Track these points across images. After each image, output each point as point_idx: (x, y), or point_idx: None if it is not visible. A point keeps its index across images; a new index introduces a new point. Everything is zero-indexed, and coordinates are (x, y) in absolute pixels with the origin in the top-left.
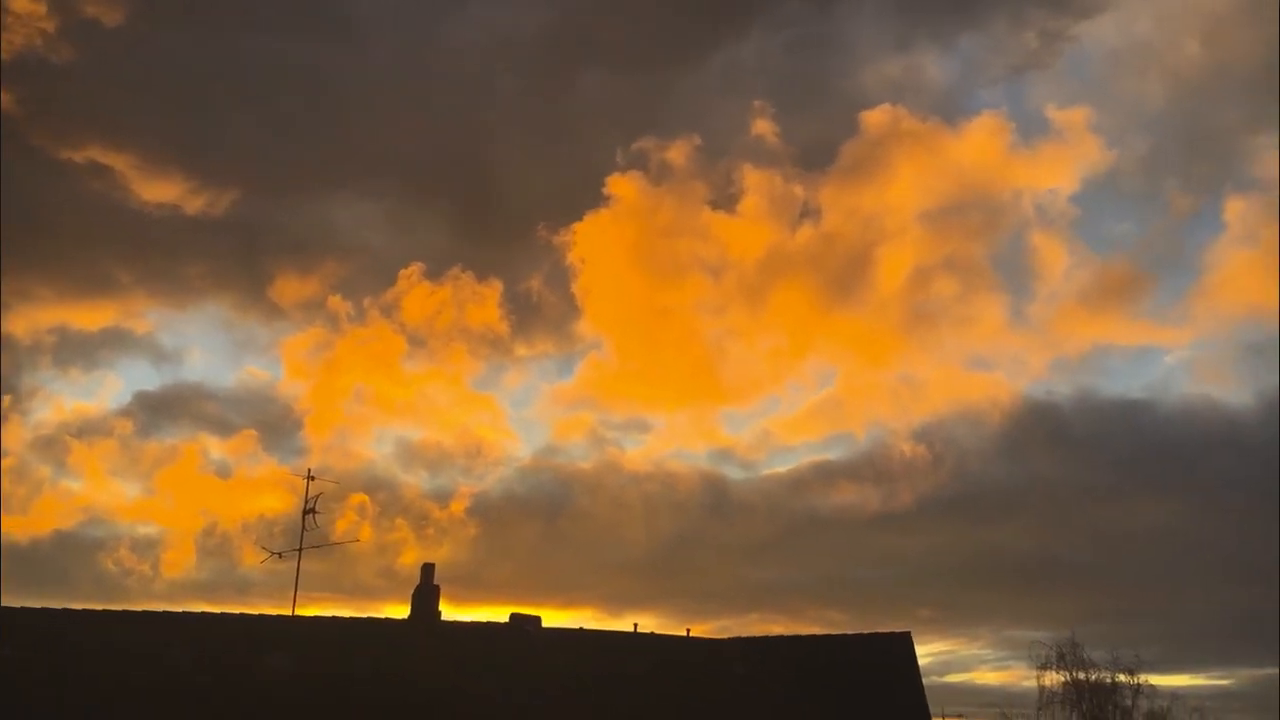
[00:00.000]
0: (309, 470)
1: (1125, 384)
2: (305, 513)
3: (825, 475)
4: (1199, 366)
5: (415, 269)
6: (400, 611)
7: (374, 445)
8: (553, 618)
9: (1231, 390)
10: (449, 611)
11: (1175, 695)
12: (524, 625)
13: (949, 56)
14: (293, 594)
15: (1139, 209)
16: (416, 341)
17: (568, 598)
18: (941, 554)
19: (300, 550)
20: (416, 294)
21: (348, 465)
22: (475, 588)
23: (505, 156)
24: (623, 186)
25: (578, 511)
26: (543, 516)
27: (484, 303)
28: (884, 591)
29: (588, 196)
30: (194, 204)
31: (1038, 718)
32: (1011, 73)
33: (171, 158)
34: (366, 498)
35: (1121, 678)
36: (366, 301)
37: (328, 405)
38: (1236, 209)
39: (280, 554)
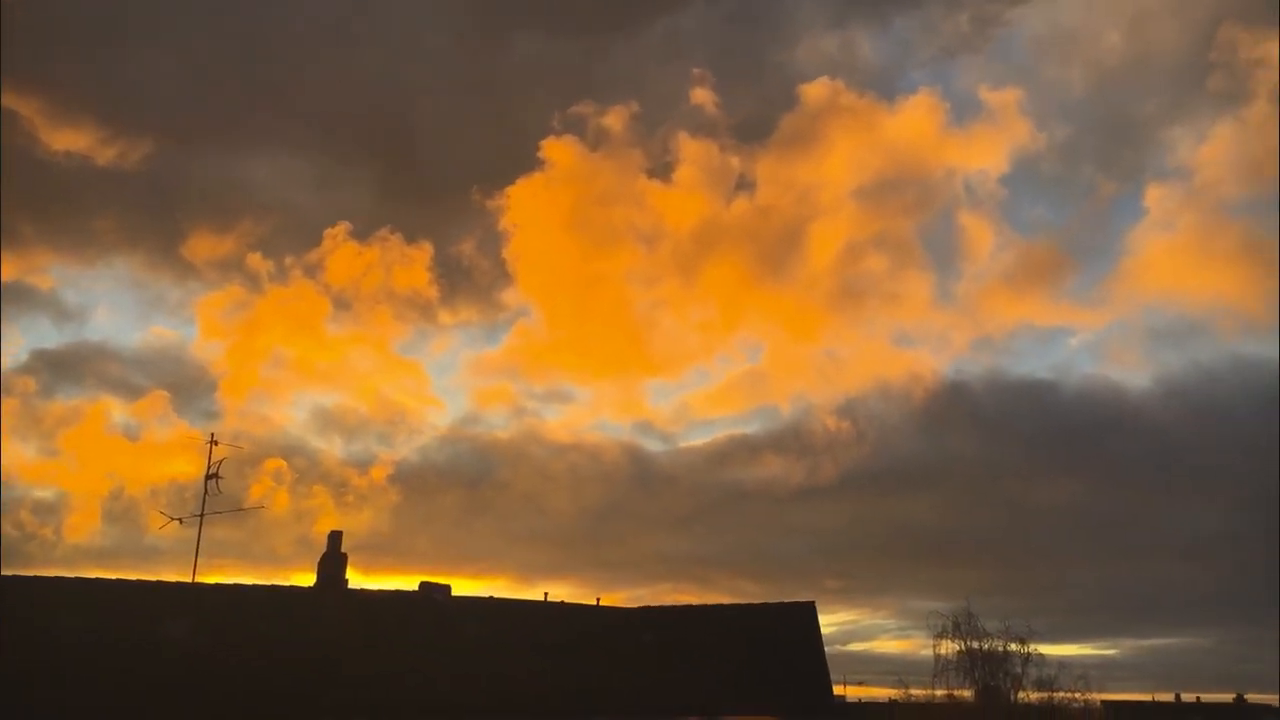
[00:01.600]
0: (212, 435)
1: (1033, 365)
2: (208, 478)
3: (744, 449)
4: (1111, 348)
5: (342, 228)
6: (312, 579)
7: (293, 410)
8: (466, 587)
9: (1133, 373)
10: (361, 580)
11: (1063, 664)
12: (433, 594)
13: (884, 36)
14: (195, 560)
15: (1063, 193)
16: (341, 304)
17: (482, 567)
18: (853, 527)
19: (201, 516)
20: (342, 254)
21: (265, 430)
22: (391, 556)
23: (436, 116)
24: (558, 151)
25: (496, 481)
26: (462, 486)
27: (412, 266)
28: (795, 563)
29: (522, 160)
30: (105, 154)
31: (933, 684)
32: (944, 54)
33: (83, 105)
34: (284, 463)
35: (1013, 647)
36: (289, 260)
37: (244, 367)
38: (1156, 196)
39: (181, 520)
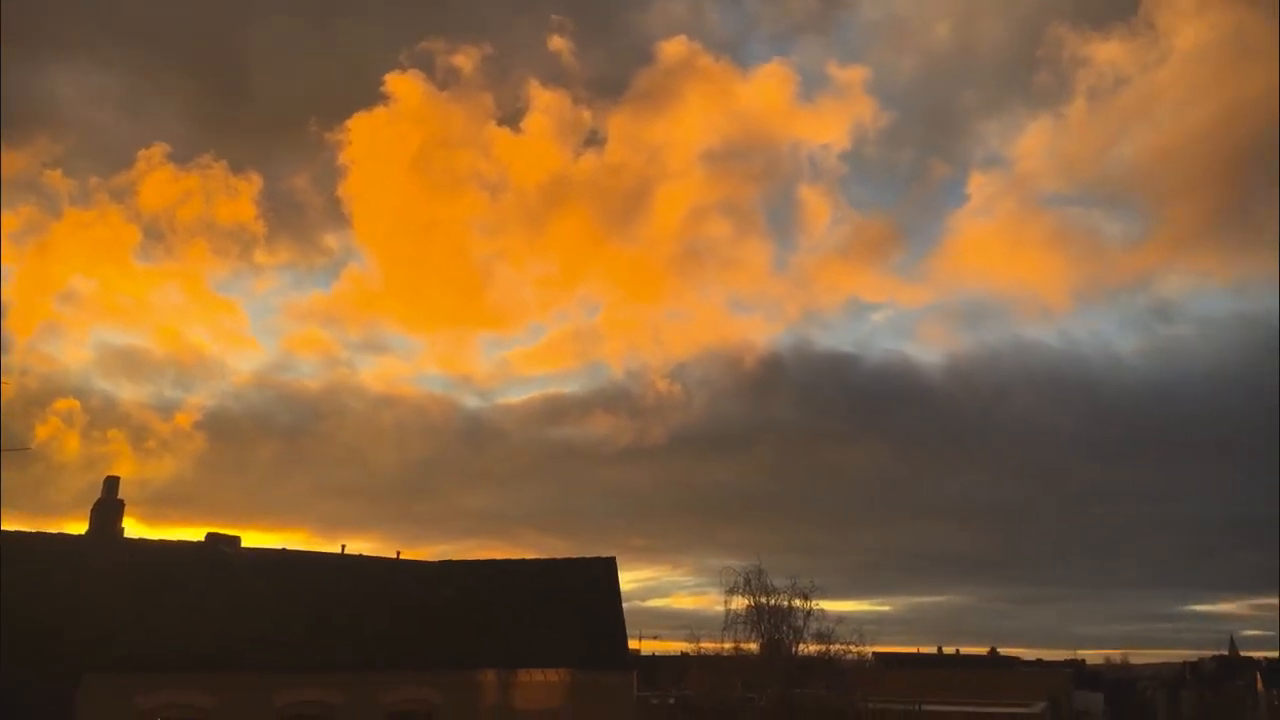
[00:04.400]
0: None
1: (838, 337)
2: None
3: (565, 407)
4: (921, 325)
5: (158, 150)
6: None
7: (91, 346)
8: (262, 540)
9: (926, 349)
10: (154, 531)
11: (841, 618)
12: (221, 545)
13: (734, 8)
14: None
15: (897, 173)
16: (153, 234)
17: (282, 520)
18: (662, 488)
19: None
20: (157, 179)
21: (56, 366)
22: (190, 506)
23: (269, 39)
24: (403, 86)
25: (306, 432)
26: (271, 436)
27: (237, 198)
28: (603, 521)
29: (363, 93)
30: None
31: (721, 637)
32: (792, 30)
33: None
34: (77, 404)
35: (797, 602)
36: (93, 182)
37: (36, 296)
38: (979, 183)
39: None
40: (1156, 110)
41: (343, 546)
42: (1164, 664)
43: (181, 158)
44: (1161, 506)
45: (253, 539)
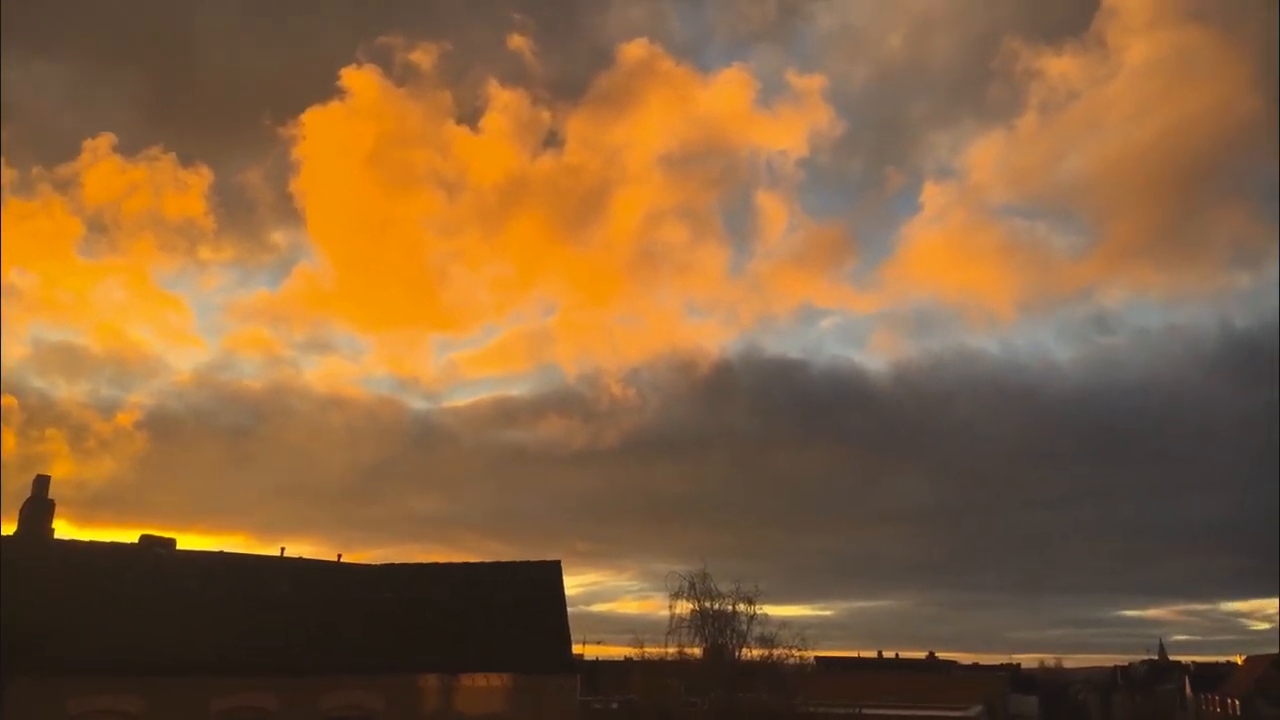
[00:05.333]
0: None
1: (788, 344)
2: None
3: (513, 410)
4: (871, 332)
5: (104, 141)
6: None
7: (29, 341)
8: (200, 543)
9: (872, 356)
10: (86, 532)
11: (784, 623)
12: (155, 547)
13: (692, 15)
14: None
15: (853, 182)
16: (97, 227)
17: (222, 522)
18: (609, 492)
19: None
20: (102, 170)
21: None
22: (127, 508)
23: (221, 31)
24: (359, 81)
25: (248, 433)
26: (213, 436)
27: (187, 191)
28: (548, 526)
29: (319, 87)
30: None
31: (665, 642)
32: (751, 38)
33: None
34: (14, 401)
35: (741, 607)
36: (36, 172)
37: None
38: (932, 193)
39: None
40: (1105, 125)
41: (282, 549)
42: (1096, 668)
43: (129, 149)
44: (1094, 513)
45: (189, 541)
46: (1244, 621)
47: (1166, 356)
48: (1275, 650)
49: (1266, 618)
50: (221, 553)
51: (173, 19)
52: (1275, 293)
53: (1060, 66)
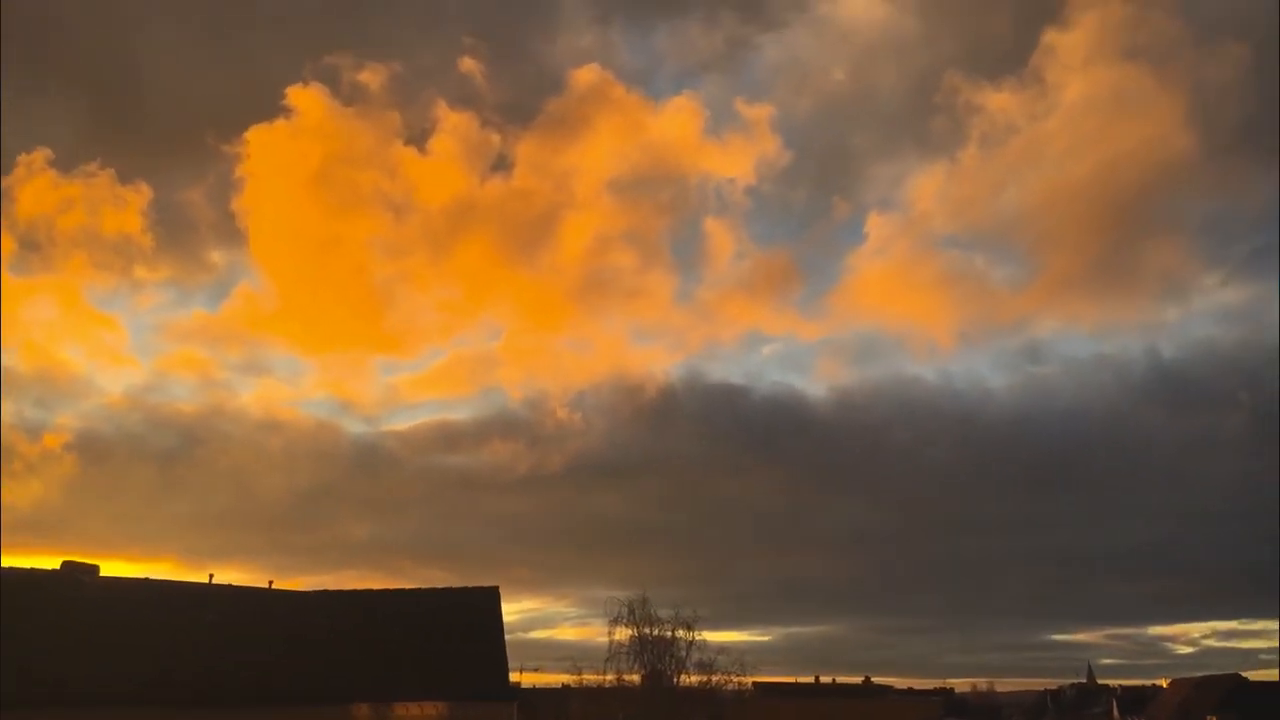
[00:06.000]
0: None
1: (731, 370)
2: None
3: (454, 435)
4: (814, 360)
5: (40, 156)
6: None
7: None
8: (124, 569)
9: (813, 383)
10: (7, 559)
11: (723, 649)
12: (77, 574)
13: (641, 44)
14: None
15: (800, 211)
16: (29, 244)
17: (150, 548)
18: (548, 518)
19: None
20: (37, 186)
21: None
22: (55, 533)
23: (163, 46)
24: (305, 99)
25: (180, 457)
26: (141, 459)
27: (125, 209)
28: (488, 551)
29: (263, 105)
30: None
31: (604, 669)
32: (700, 69)
33: None
34: None
35: (680, 633)
36: None
37: None
38: (876, 223)
39: None
40: (1043, 159)
41: (210, 576)
42: (1027, 691)
43: (65, 165)
44: (1027, 539)
45: (114, 568)
46: (1169, 645)
47: (1095, 386)
48: (1199, 674)
49: (1190, 641)
50: (146, 579)
51: (114, 34)
52: (1202, 324)
53: (1000, 102)
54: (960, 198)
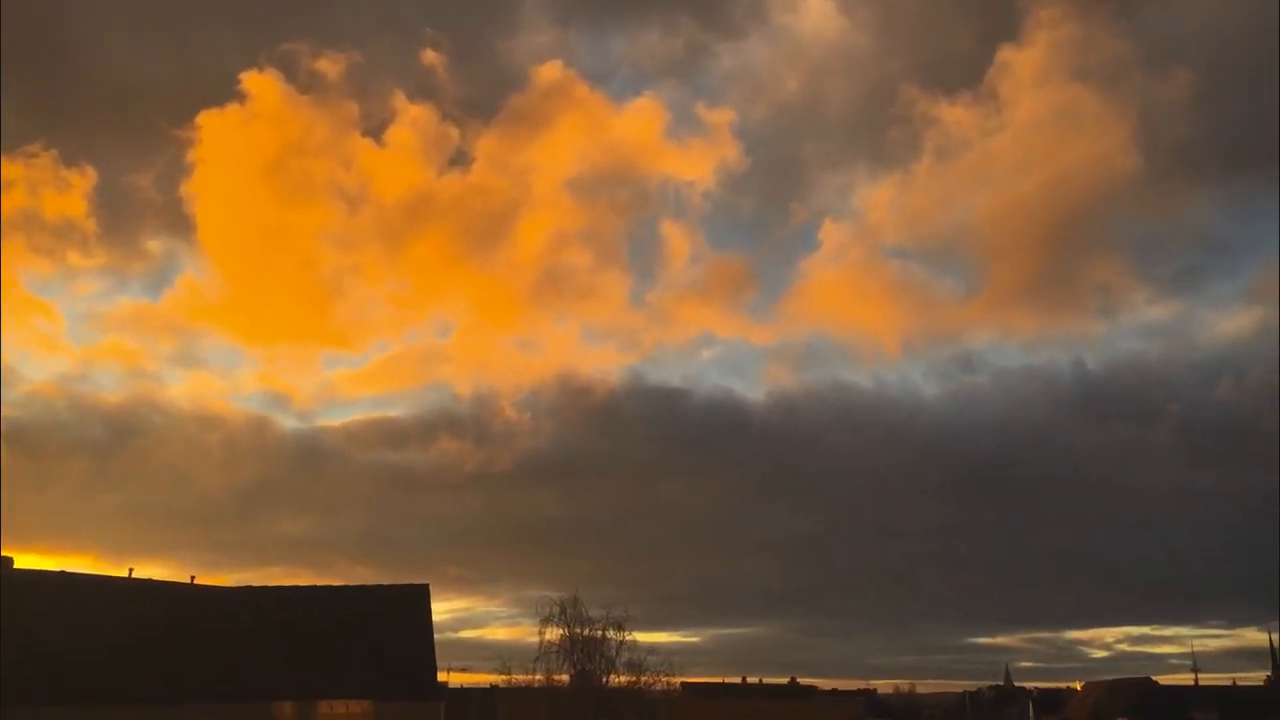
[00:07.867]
0: None
1: (675, 372)
2: None
3: (392, 430)
4: (772, 363)
5: None
6: None
7: None
8: (39, 562)
9: (751, 387)
10: None
11: (653, 649)
12: None
13: (600, 46)
14: None
15: (756, 216)
16: None
17: (65, 541)
18: (483, 517)
19: None
20: None
21: None
22: None
23: (112, 25)
24: (260, 85)
25: (99, 447)
26: (68, 450)
27: (68, 192)
28: (420, 550)
29: (216, 89)
30: None
31: (534, 668)
32: (658, 73)
33: None
34: None
35: (611, 633)
36: None
37: None
38: (830, 230)
39: None
40: (993, 174)
41: (130, 570)
42: (947, 693)
43: (6, 144)
44: (951, 544)
45: (29, 561)
46: (1084, 649)
47: (1022, 396)
48: (1112, 677)
49: (1105, 646)
50: (63, 573)
51: (62, 10)
52: (1127, 338)
53: (955, 115)
54: (911, 209)
